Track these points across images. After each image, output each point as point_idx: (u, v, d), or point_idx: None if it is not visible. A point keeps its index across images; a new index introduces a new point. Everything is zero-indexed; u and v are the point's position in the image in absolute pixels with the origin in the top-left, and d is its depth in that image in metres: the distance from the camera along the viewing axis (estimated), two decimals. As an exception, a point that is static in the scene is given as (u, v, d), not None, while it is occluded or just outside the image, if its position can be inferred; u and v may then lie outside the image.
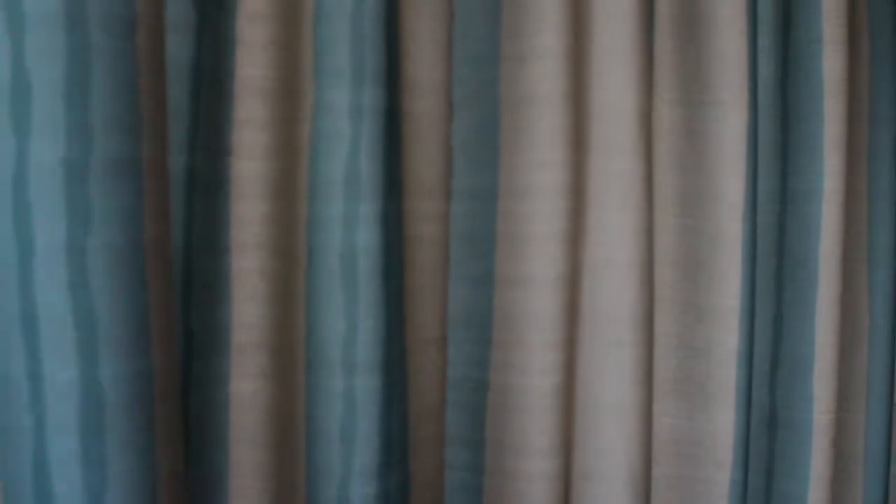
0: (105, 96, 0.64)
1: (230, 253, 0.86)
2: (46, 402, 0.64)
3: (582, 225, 0.99)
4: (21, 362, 0.64)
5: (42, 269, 0.64)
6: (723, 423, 1.08)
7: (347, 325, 0.82)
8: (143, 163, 0.67)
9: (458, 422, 0.98)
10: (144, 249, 0.67)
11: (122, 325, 0.66)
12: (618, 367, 0.99)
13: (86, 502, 0.65)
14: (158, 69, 0.70)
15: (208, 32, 0.84)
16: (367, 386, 0.82)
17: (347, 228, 0.81)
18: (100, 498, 0.66)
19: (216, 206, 0.85)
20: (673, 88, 1.06)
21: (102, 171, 0.64)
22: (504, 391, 0.97)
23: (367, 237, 0.81)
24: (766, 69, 1.11)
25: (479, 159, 0.96)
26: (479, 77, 0.96)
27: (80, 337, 0.64)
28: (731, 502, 1.09)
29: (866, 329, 1.19)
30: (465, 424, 0.98)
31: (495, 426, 0.98)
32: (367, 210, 0.81)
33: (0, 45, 0.62)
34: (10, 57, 0.62)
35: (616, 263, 0.98)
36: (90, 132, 0.64)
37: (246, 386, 0.87)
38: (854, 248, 1.18)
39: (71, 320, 0.64)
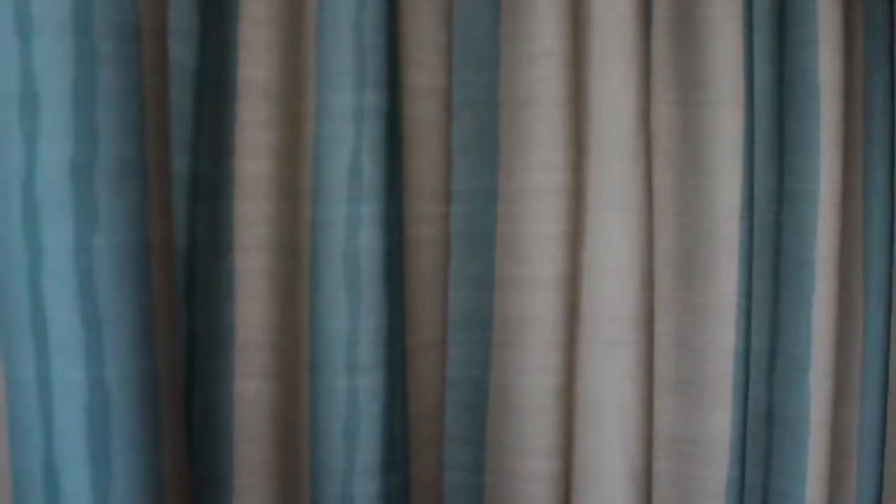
0: (111, 100, 0.65)
1: (234, 253, 0.87)
2: (54, 402, 0.65)
3: (581, 225, 1.00)
4: (30, 362, 0.65)
5: (50, 270, 0.64)
6: (720, 422, 1.09)
7: (350, 325, 0.83)
8: (148, 164, 0.68)
9: (458, 422, 0.99)
10: (150, 249, 0.68)
11: (127, 324, 0.66)
12: (618, 367, 1.00)
13: (92, 500, 0.66)
14: (162, 73, 0.71)
15: (211, 36, 0.84)
16: (369, 386, 0.83)
17: (350, 229, 0.82)
18: (106, 495, 0.66)
19: (219, 207, 0.86)
20: (670, 89, 1.07)
21: (108, 172, 0.65)
22: (505, 391, 0.98)
23: (369, 238, 0.82)
24: (762, 69, 1.12)
25: (479, 161, 0.97)
26: (478, 80, 0.97)
27: (87, 337, 0.65)
28: (728, 500, 1.10)
29: (861, 327, 1.20)
30: (466, 424, 0.99)
31: (496, 426, 0.99)
32: (370, 211, 0.82)
33: (9, 52, 0.63)
34: (19, 63, 0.63)
35: (616, 263, 0.99)
36: (96, 135, 0.64)
37: (250, 385, 0.88)
38: (849, 247, 1.19)
39: (78, 320, 0.65)
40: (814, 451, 1.12)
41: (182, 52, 0.82)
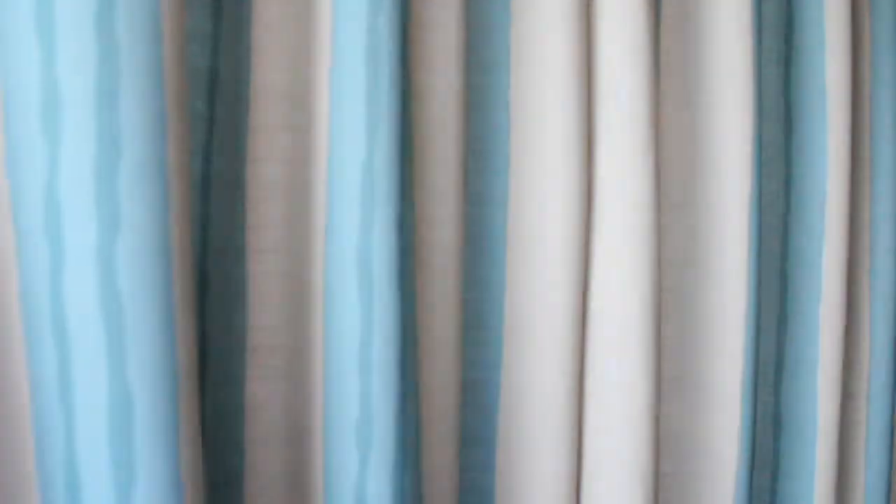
0: (133, 101, 0.65)
1: (247, 256, 0.87)
2: (75, 402, 0.66)
3: (591, 227, 1.00)
4: (51, 362, 0.65)
5: (72, 271, 0.65)
6: (728, 423, 1.10)
7: (363, 327, 0.83)
8: (169, 166, 0.68)
9: (470, 423, 0.99)
10: (170, 251, 0.68)
11: (149, 325, 0.67)
12: (627, 367, 1.00)
13: (114, 499, 0.66)
14: (181, 75, 0.71)
15: (224, 40, 0.85)
16: (382, 387, 0.83)
17: (363, 232, 0.83)
18: (127, 495, 0.67)
19: (233, 209, 0.86)
20: (678, 91, 1.08)
21: (131, 173, 0.65)
22: (515, 392, 0.99)
23: (382, 241, 0.83)
24: (770, 73, 1.13)
25: (490, 164, 0.98)
26: (489, 82, 0.98)
27: (109, 337, 0.65)
28: (735, 501, 1.10)
29: (867, 329, 1.21)
30: (477, 425, 1.00)
31: (506, 427, 0.99)
32: (383, 214, 0.83)
33: (31, 52, 0.63)
34: (40, 63, 0.63)
35: (625, 264, 1.00)
36: (119, 136, 0.65)
37: (262, 387, 0.88)
38: (855, 249, 1.19)
39: (100, 320, 0.65)
40: (822, 452, 1.12)
41: (196, 54, 0.82)
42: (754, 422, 1.10)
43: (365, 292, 0.83)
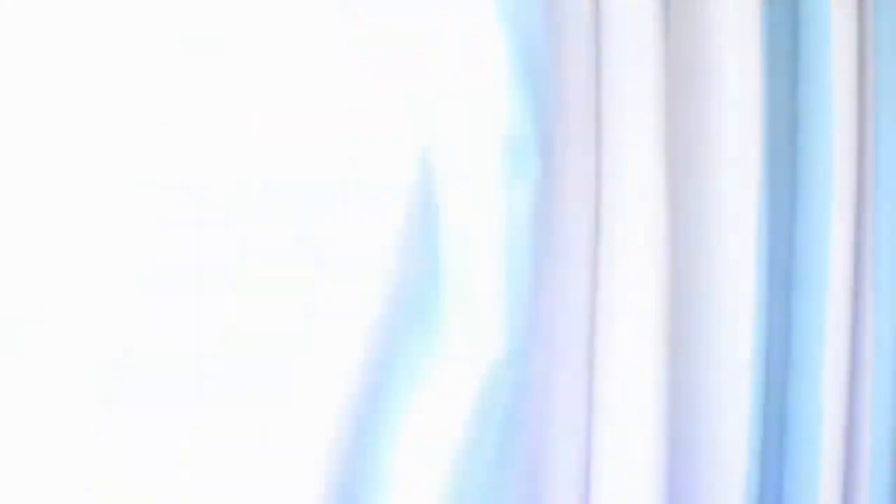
0: None
1: None
2: None
3: (599, 227, 1.00)
4: None
5: None
6: (735, 422, 1.09)
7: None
8: None
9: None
10: None
11: None
12: (636, 369, 1.00)
13: None
14: None
15: None
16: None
17: None
18: None
19: None
20: (685, 89, 1.07)
21: None
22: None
23: None
24: (777, 71, 1.13)
25: None
26: None
27: None
28: (743, 501, 1.10)
29: (872, 328, 1.21)
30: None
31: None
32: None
33: None
34: None
35: (633, 265, 0.99)
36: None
37: None
38: (860, 248, 1.19)
39: None
40: (826, 453, 1.12)
41: None
42: (761, 421, 1.10)
43: None
